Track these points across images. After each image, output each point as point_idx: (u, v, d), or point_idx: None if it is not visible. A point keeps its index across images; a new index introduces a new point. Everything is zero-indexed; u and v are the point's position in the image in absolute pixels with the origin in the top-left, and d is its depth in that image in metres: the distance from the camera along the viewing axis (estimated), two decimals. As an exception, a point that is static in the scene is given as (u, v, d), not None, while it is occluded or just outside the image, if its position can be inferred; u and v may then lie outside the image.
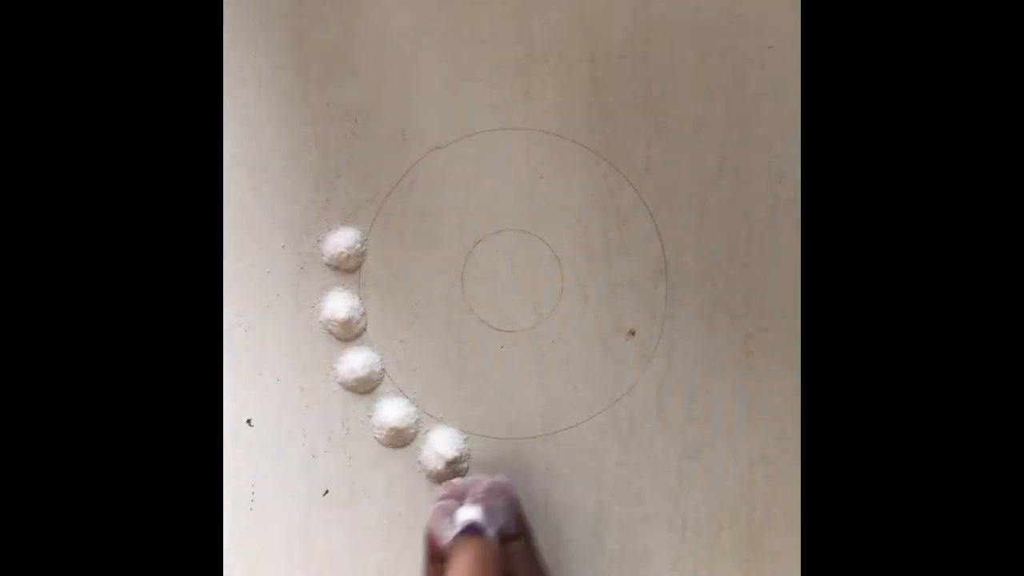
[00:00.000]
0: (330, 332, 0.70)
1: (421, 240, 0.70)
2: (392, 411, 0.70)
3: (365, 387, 0.70)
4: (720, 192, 0.70)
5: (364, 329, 0.71)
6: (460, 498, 0.65)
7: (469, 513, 0.63)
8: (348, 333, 0.70)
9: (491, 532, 0.62)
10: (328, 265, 0.70)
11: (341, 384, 0.70)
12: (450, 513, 0.63)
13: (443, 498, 0.65)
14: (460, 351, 0.71)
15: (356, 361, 0.70)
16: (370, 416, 0.71)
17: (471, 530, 0.62)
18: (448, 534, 0.62)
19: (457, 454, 0.70)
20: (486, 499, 0.64)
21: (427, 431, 0.71)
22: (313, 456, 0.71)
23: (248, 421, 0.70)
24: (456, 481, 0.67)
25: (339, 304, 0.70)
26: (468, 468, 0.71)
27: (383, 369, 0.71)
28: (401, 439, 0.70)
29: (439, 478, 0.70)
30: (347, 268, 0.70)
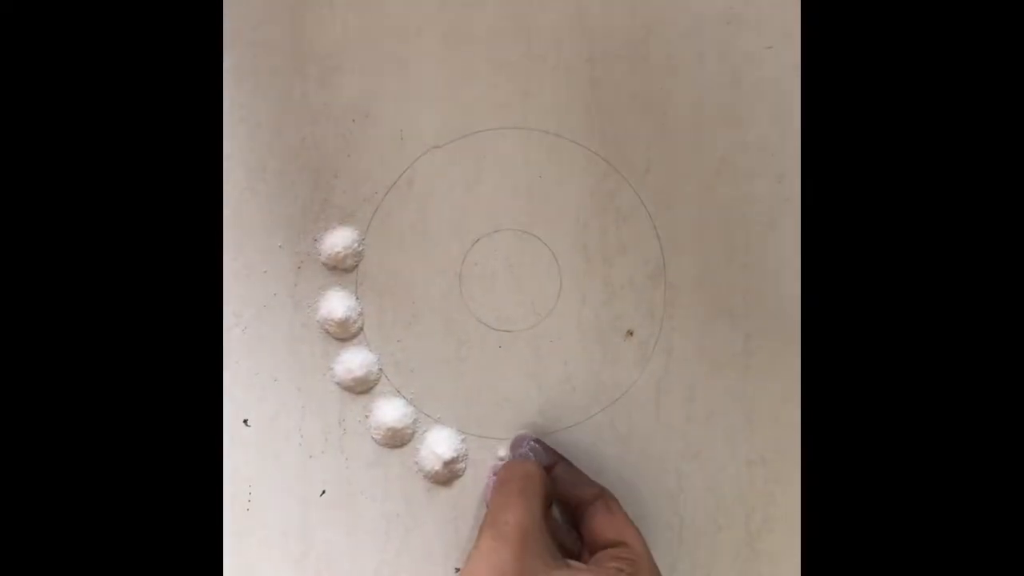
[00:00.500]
0: (327, 332, 0.70)
1: (419, 240, 0.70)
2: (389, 411, 0.70)
3: (362, 387, 0.70)
4: (719, 192, 0.70)
5: (361, 329, 0.70)
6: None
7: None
8: (345, 333, 0.70)
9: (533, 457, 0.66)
10: (325, 265, 0.70)
11: (338, 384, 0.70)
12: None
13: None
14: (458, 351, 0.70)
15: (353, 361, 0.70)
16: (367, 416, 0.71)
17: (515, 456, 0.66)
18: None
19: (455, 454, 0.70)
20: (515, 449, 0.68)
21: (424, 431, 0.71)
22: (310, 456, 0.70)
23: (245, 421, 0.70)
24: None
25: (336, 304, 0.70)
26: (466, 468, 0.70)
27: (380, 369, 0.71)
28: (398, 439, 0.70)
29: (437, 478, 0.70)
30: (344, 268, 0.70)
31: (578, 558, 0.62)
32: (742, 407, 0.71)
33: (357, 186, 0.70)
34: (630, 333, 0.71)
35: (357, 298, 0.71)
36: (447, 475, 0.70)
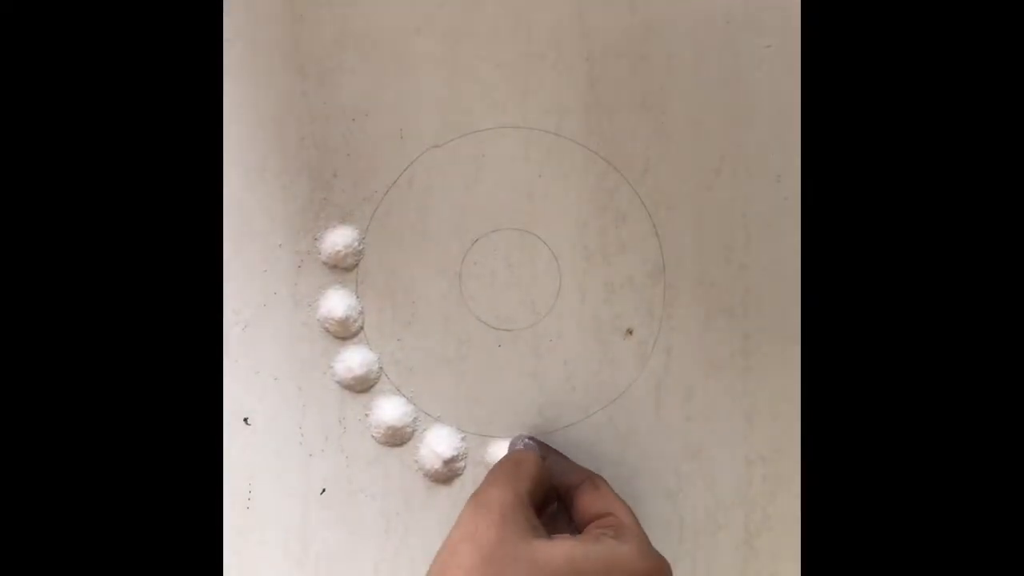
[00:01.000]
0: (327, 330, 0.70)
1: (419, 239, 0.70)
2: (389, 410, 0.70)
3: (362, 386, 0.70)
4: (719, 191, 0.70)
5: (361, 328, 0.71)
6: None
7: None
8: (345, 331, 0.70)
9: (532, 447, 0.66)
10: (325, 263, 0.70)
11: (338, 382, 0.70)
12: None
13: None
14: (458, 350, 0.71)
15: (353, 360, 0.70)
16: (367, 415, 0.71)
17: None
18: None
19: (454, 453, 0.70)
20: (512, 447, 0.68)
21: (424, 430, 0.71)
22: (310, 455, 0.71)
23: (245, 420, 0.70)
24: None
25: (336, 302, 0.70)
26: (465, 467, 0.71)
27: (380, 368, 0.71)
28: (398, 438, 0.70)
29: (436, 477, 0.70)
30: (344, 267, 0.70)
31: None
32: (741, 406, 0.71)
33: (357, 185, 0.70)
34: (629, 332, 0.71)
35: (357, 297, 0.71)
36: (447, 474, 0.70)
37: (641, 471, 0.71)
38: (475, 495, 0.58)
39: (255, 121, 0.70)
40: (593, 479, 0.64)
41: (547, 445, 0.68)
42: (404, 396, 0.71)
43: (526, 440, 0.68)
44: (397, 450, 0.71)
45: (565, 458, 0.67)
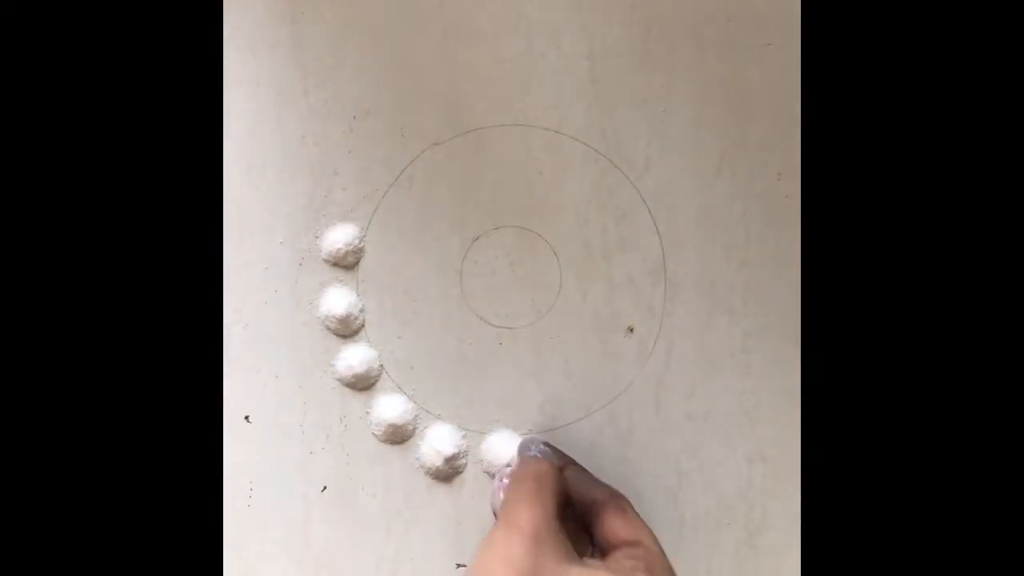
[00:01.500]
0: (328, 328, 0.70)
1: (420, 236, 0.70)
2: (390, 408, 0.70)
3: (363, 384, 0.70)
4: (719, 189, 0.70)
5: (362, 325, 0.71)
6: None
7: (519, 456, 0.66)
8: (346, 329, 0.70)
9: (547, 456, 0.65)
10: (326, 261, 0.70)
11: (339, 380, 0.70)
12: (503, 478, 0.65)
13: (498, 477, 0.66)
14: (459, 348, 0.71)
15: (354, 358, 0.70)
16: (368, 413, 0.71)
17: (526, 456, 0.65)
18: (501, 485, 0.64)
19: (455, 450, 0.70)
20: (523, 452, 0.67)
21: (425, 428, 0.71)
22: (311, 453, 0.71)
23: (246, 418, 0.70)
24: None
25: (337, 300, 0.70)
26: (466, 464, 0.71)
27: (381, 366, 0.71)
28: (399, 436, 0.70)
29: (438, 475, 0.70)
30: (345, 264, 0.70)
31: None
32: (742, 404, 0.71)
33: (358, 183, 0.70)
34: (630, 330, 0.71)
35: (358, 295, 0.71)
36: (448, 471, 0.70)
37: (642, 469, 0.71)
38: (505, 515, 0.57)
39: (256, 119, 0.70)
40: (618, 501, 0.63)
41: (562, 453, 0.67)
42: (405, 394, 0.71)
43: (541, 446, 0.67)
44: (398, 448, 0.71)
45: (584, 470, 0.66)
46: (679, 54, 0.70)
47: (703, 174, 0.70)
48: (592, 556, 0.63)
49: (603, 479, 0.69)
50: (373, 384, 0.71)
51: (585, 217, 0.70)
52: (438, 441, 0.70)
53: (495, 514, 0.65)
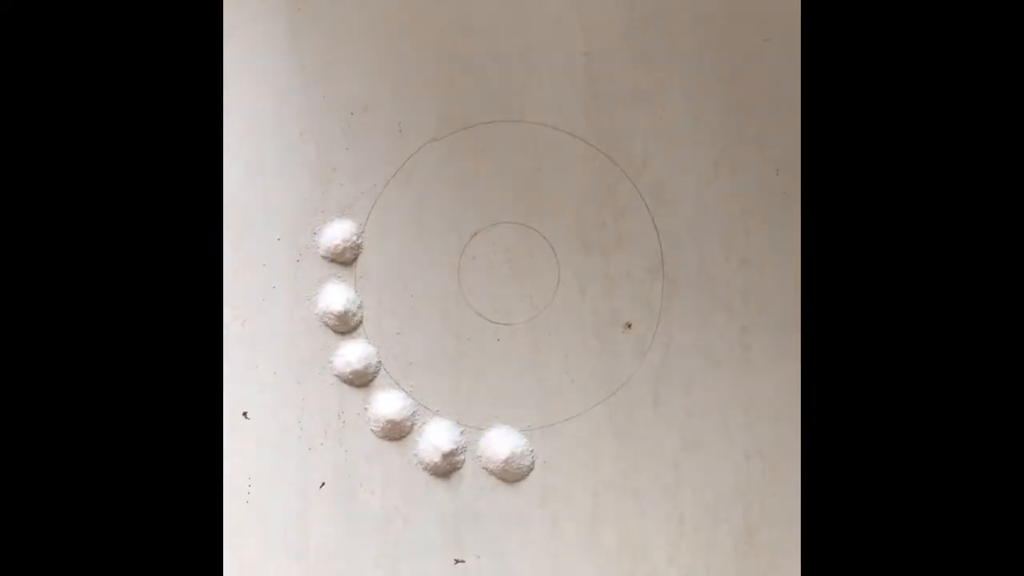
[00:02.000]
0: (326, 325, 0.70)
1: (418, 233, 0.70)
2: (388, 404, 0.70)
3: (361, 380, 0.70)
4: (718, 186, 0.70)
5: (360, 322, 0.71)
6: None
7: None
8: (344, 326, 0.70)
9: None
10: (324, 258, 0.70)
11: (337, 377, 0.70)
12: None
13: None
14: (457, 344, 0.71)
15: (353, 354, 0.70)
16: (366, 409, 0.71)
17: None
18: None
19: (454, 446, 0.70)
20: None
21: (423, 424, 0.71)
22: (310, 449, 0.71)
23: (244, 414, 0.70)
24: None
25: (335, 297, 0.70)
26: (464, 461, 0.71)
27: (379, 362, 0.71)
28: (398, 432, 0.70)
29: (436, 471, 0.70)
30: (343, 261, 0.70)
31: None
32: (740, 400, 0.71)
33: (356, 179, 0.70)
34: (628, 326, 0.71)
35: (356, 291, 0.71)
36: (446, 467, 0.70)
37: (640, 465, 0.71)
38: None
39: (254, 116, 0.70)
40: None
41: None
42: (403, 390, 0.71)
43: None
44: (396, 444, 0.71)
45: None
46: (677, 50, 0.70)
47: (701, 171, 0.70)
48: None
49: (601, 475, 0.69)
50: (371, 380, 0.71)
51: (583, 213, 0.70)
52: (436, 437, 0.70)
53: None
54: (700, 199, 0.70)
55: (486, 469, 0.71)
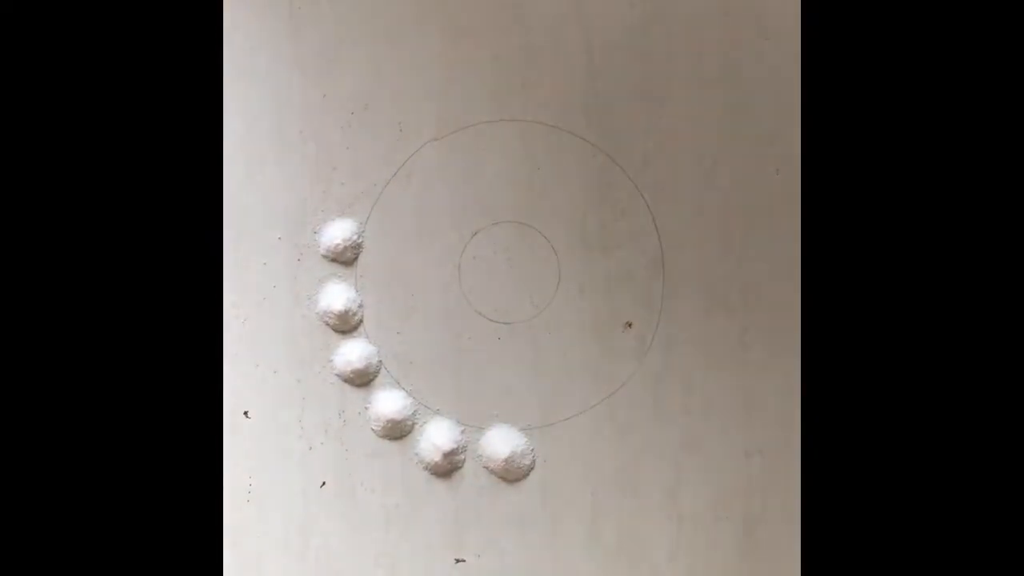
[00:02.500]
0: (327, 324, 0.70)
1: (418, 232, 0.70)
2: (389, 403, 0.70)
3: (362, 379, 0.70)
4: (718, 185, 0.70)
5: (361, 321, 0.71)
6: None
7: None
8: (345, 325, 0.70)
9: None
10: (325, 257, 0.70)
11: (338, 376, 0.71)
12: None
13: None
14: (457, 343, 0.71)
15: (353, 353, 0.70)
16: (367, 408, 0.71)
17: None
18: None
19: (454, 446, 0.70)
20: None
21: (424, 423, 0.71)
22: (310, 448, 0.71)
23: (245, 413, 0.70)
24: None
25: (336, 296, 0.70)
26: (465, 460, 0.71)
27: (380, 361, 0.71)
28: (398, 431, 0.70)
29: (436, 470, 0.70)
30: (344, 260, 0.70)
31: None
32: (740, 399, 0.71)
33: (356, 178, 0.70)
34: (628, 325, 0.71)
35: (357, 290, 0.71)
36: (447, 466, 0.70)
37: (640, 464, 0.71)
38: None
39: (254, 115, 0.70)
40: None
41: None
42: (404, 389, 0.71)
43: None
44: (397, 443, 0.71)
45: None
46: (677, 49, 0.70)
47: (702, 169, 0.70)
48: None
49: (602, 474, 0.70)
50: (372, 380, 0.71)
51: (584, 212, 0.70)
52: (437, 436, 0.70)
53: None
54: (700, 198, 0.70)
55: (487, 468, 0.71)
